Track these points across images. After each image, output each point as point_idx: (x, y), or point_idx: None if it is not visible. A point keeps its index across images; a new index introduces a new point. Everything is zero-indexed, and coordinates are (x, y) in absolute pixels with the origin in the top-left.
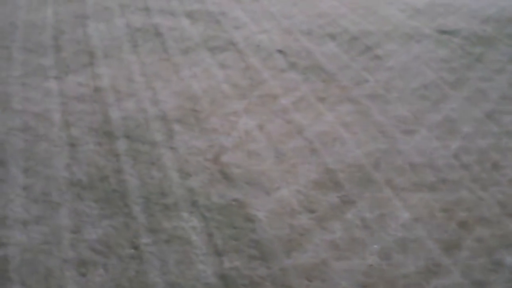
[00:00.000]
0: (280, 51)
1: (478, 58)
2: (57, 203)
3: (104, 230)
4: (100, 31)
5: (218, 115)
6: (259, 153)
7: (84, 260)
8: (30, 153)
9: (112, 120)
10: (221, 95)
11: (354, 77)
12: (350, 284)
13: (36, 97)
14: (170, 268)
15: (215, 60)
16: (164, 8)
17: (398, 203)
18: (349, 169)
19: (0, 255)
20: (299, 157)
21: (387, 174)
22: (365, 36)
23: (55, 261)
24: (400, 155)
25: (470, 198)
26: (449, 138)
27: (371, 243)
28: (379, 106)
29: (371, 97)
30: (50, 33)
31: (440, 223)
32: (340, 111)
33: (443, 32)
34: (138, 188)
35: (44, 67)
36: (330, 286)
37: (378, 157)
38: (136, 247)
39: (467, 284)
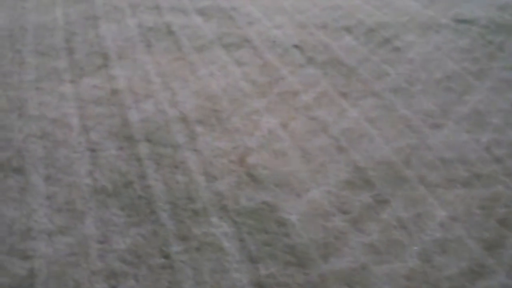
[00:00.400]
0: (296, 46)
1: (500, 46)
2: (81, 212)
3: (133, 239)
4: (112, 31)
5: (239, 114)
6: (285, 152)
7: (113, 271)
8: (50, 160)
9: (131, 123)
10: (240, 94)
11: (374, 70)
12: None
13: (52, 102)
14: (204, 277)
15: (231, 58)
16: (174, 6)
17: (434, 201)
18: (379, 166)
19: (27, 268)
20: (327, 156)
21: (419, 171)
22: (382, 28)
23: (84, 273)
24: (430, 150)
25: (506, 193)
26: (479, 131)
27: (410, 244)
28: (403, 100)
29: (394, 90)
30: (61, 35)
31: (479, 221)
32: (363, 106)
33: (461, 21)
34: (164, 194)
35: (58, 70)
36: None
37: (408, 153)
38: (166, 256)
39: None
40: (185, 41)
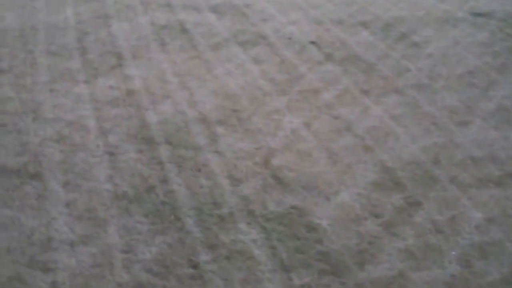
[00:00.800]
0: (313, 43)
1: None
2: (103, 220)
3: (158, 248)
4: (125, 30)
5: (260, 114)
6: (310, 153)
7: (140, 283)
8: (67, 165)
9: (150, 124)
10: (260, 92)
11: (395, 66)
12: None
13: (67, 104)
14: None
15: (248, 55)
16: (186, 3)
17: (467, 202)
18: (408, 166)
19: (49, 282)
20: (353, 156)
21: (450, 170)
22: (398, 23)
23: (109, 286)
24: (459, 148)
25: None
26: (507, 128)
27: (448, 249)
28: (426, 96)
29: (417, 87)
30: (73, 35)
31: None
32: (387, 103)
33: (478, 14)
34: (188, 199)
35: (72, 71)
36: None
37: (437, 152)
38: (195, 266)
39: None
40: (199, 39)
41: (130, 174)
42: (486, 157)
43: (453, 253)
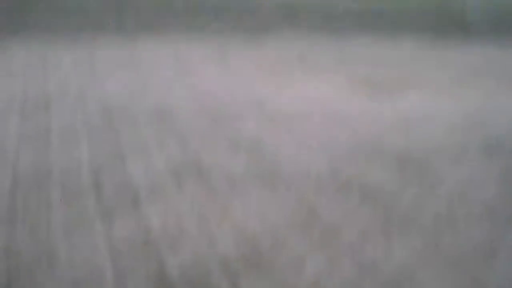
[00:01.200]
0: (330, 178)
1: None
2: None
3: None
4: (140, 169)
5: (282, 256)
6: None
7: None
8: None
9: (169, 269)
10: (280, 233)
11: (413, 202)
12: None
13: (83, 247)
14: None
15: (266, 194)
16: (201, 138)
17: None
18: None
19: None
20: None
21: None
22: (412, 156)
23: None
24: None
25: None
26: None
27: None
28: (449, 233)
29: (438, 223)
30: (88, 174)
31: None
32: (409, 242)
33: (491, 145)
34: None
35: (87, 211)
36: None
37: None
38: None
39: None
40: (216, 178)
41: None
42: None
43: None
